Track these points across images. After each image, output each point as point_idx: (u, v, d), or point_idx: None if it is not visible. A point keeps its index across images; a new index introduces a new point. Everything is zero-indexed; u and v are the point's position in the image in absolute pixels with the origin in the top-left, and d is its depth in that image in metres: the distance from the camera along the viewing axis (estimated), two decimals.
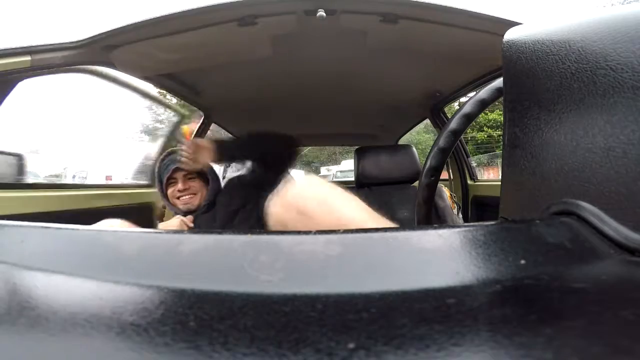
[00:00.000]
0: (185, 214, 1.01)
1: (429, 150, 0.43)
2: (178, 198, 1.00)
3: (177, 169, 0.98)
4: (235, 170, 1.56)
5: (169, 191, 1.01)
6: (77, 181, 6.55)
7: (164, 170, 1.00)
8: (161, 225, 1.07)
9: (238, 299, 0.16)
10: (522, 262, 0.19)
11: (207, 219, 1.00)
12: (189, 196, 1.00)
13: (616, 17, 0.23)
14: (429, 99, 1.61)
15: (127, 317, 0.15)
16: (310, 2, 0.82)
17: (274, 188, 0.61)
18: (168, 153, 1.04)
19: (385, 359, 0.12)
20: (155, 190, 1.42)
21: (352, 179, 1.53)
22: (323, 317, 0.15)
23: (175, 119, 1.65)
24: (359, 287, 0.17)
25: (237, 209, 1.01)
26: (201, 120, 1.72)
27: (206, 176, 1.04)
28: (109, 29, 0.84)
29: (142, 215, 1.52)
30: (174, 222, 1.01)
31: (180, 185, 0.99)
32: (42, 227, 0.25)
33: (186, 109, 1.63)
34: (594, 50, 0.23)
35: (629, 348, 0.12)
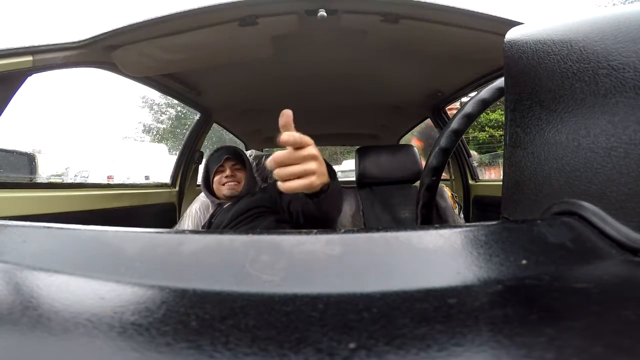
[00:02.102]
0: (228, 199, 1.14)
1: (430, 150, 0.43)
2: (224, 184, 1.14)
3: (227, 159, 1.16)
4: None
5: (216, 178, 1.16)
6: (78, 180, 6.57)
7: (215, 160, 1.16)
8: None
9: (239, 299, 0.16)
10: (524, 262, 0.19)
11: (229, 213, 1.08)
12: (234, 183, 1.15)
13: (618, 16, 0.23)
14: (430, 98, 1.61)
15: (129, 316, 0.15)
16: (311, 2, 0.82)
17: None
18: (218, 148, 1.21)
19: (386, 358, 0.12)
20: (176, 189, 1.63)
21: (354, 178, 1.53)
22: (324, 317, 0.15)
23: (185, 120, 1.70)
24: (360, 287, 0.17)
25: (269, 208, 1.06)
26: (202, 120, 1.72)
27: (247, 168, 1.19)
28: (111, 29, 0.85)
29: (165, 215, 1.54)
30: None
31: (228, 172, 1.15)
32: (44, 227, 0.25)
33: None
34: (595, 50, 0.23)
35: (630, 348, 0.12)
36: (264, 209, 1.05)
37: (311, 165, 0.54)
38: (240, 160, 1.19)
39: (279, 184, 0.52)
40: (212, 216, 1.16)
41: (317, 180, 0.55)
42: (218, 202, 1.17)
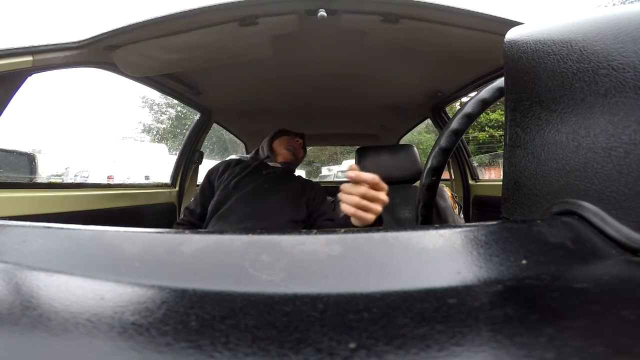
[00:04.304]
0: (281, 157, 1.23)
1: (430, 150, 0.43)
2: (285, 147, 1.23)
3: (302, 136, 1.29)
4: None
5: (284, 137, 1.25)
6: (78, 180, 6.57)
7: (291, 132, 1.28)
8: None
9: (239, 299, 0.16)
10: (524, 262, 0.19)
11: (268, 179, 1.12)
12: (297, 150, 1.24)
13: (618, 16, 0.23)
14: (430, 98, 1.61)
15: (129, 316, 0.15)
16: (311, 2, 0.82)
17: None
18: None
19: (386, 358, 0.12)
20: (176, 189, 1.69)
21: None
22: (324, 317, 0.15)
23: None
24: (360, 287, 0.17)
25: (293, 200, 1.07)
26: (202, 120, 1.73)
27: (303, 156, 1.33)
28: (111, 29, 0.85)
29: (165, 215, 1.55)
30: None
31: (299, 140, 1.27)
32: (44, 227, 0.25)
33: None
34: (595, 49, 0.23)
35: (630, 348, 0.12)
36: (299, 225, 1.06)
37: (378, 208, 0.62)
38: (304, 147, 1.35)
39: (344, 206, 0.60)
40: (247, 165, 1.18)
41: (374, 219, 0.64)
42: (266, 155, 1.23)
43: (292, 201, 1.06)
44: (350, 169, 0.59)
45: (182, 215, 1.17)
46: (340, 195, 0.62)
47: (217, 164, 1.23)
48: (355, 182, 0.60)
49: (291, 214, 1.03)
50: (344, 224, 0.79)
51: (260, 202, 1.03)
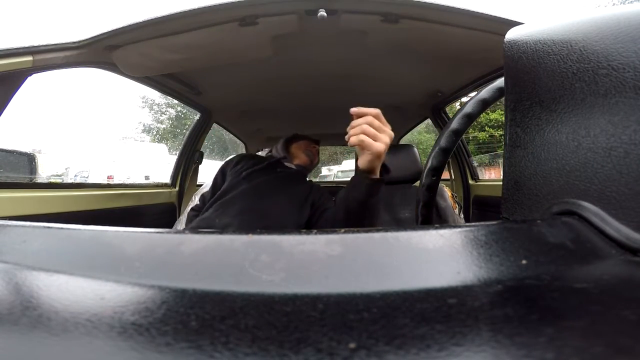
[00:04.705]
0: (300, 161, 1.27)
1: (430, 150, 0.43)
2: (304, 150, 1.28)
3: (318, 144, 1.34)
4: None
5: (302, 142, 1.29)
6: (79, 180, 6.57)
7: (310, 139, 1.32)
8: None
9: (239, 299, 0.16)
10: (524, 262, 0.19)
11: (279, 177, 1.13)
12: (313, 155, 1.29)
13: (618, 16, 0.23)
14: (430, 98, 1.61)
15: (129, 316, 0.15)
16: (311, 2, 0.82)
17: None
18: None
19: (386, 358, 0.12)
20: (176, 189, 1.72)
21: None
22: (324, 317, 0.15)
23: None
24: (360, 287, 0.17)
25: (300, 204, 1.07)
26: (202, 120, 1.73)
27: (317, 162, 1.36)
28: (111, 29, 0.85)
29: (165, 215, 1.56)
30: None
31: (316, 147, 1.32)
32: (44, 227, 0.25)
33: None
34: (595, 49, 0.23)
35: (630, 348, 0.12)
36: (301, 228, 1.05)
37: (386, 138, 0.65)
38: (318, 153, 1.39)
39: (352, 139, 0.64)
40: (262, 158, 1.19)
41: (383, 151, 0.65)
42: (282, 156, 1.24)
43: (298, 203, 1.06)
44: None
45: (197, 202, 1.17)
46: (348, 134, 0.65)
47: (233, 157, 1.24)
48: (359, 116, 0.64)
49: (293, 216, 1.02)
50: (348, 190, 0.79)
51: (265, 198, 1.02)
